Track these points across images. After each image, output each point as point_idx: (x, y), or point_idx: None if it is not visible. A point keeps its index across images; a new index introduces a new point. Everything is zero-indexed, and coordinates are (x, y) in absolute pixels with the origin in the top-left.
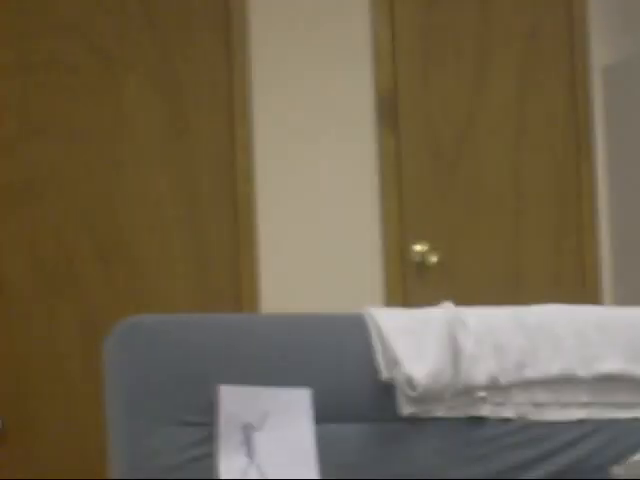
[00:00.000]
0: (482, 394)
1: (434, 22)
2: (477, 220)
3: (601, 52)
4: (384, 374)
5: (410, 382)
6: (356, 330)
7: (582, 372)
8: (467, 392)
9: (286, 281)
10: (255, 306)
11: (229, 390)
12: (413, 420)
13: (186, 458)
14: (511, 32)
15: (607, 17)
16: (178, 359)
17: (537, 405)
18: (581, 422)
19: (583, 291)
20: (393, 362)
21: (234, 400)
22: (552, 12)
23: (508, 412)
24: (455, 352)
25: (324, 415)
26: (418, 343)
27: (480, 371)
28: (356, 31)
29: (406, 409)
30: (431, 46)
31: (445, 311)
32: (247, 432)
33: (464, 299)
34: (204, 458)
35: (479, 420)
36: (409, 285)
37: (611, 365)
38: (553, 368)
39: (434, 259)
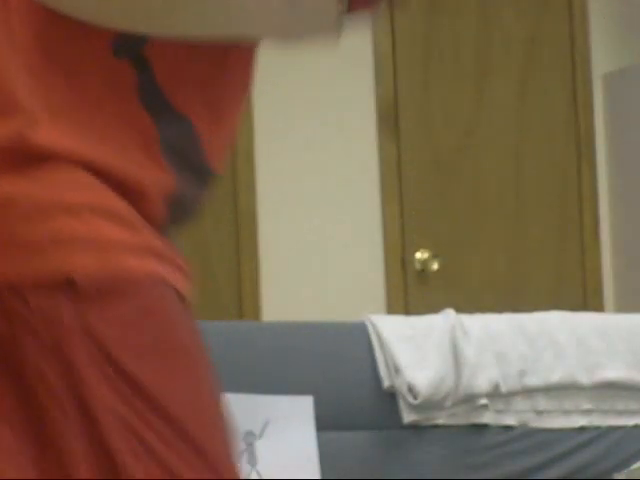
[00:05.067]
0: (483, 401)
1: (434, 31)
2: (478, 227)
3: (602, 60)
4: (385, 382)
5: (412, 390)
6: (357, 338)
7: (583, 379)
8: (468, 400)
9: (287, 289)
10: (257, 315)
11: (230, 398)
12: (415, 428)
13: None
14: (511, 40)
15: (607, 25)
16: None
17: (539, 412)
18: (582, 429)
19: (585, 298)
20: (394, 370)
21: (235, 408)
22: (553, 20)
23: (510, 419)
24: (457, 360)
25: (326, 423)
26: (419, 351)
27: (482, 379)
28: (357, 41)
29: (408, 417)
30: (431, 55)
31: (446, 319)
32: (248, 440)
33: (466, 306)
34: None
35: (480, 427)
36: (410, 292)
37: (612, 372)
38: (555, 375)
39: (435, 266)
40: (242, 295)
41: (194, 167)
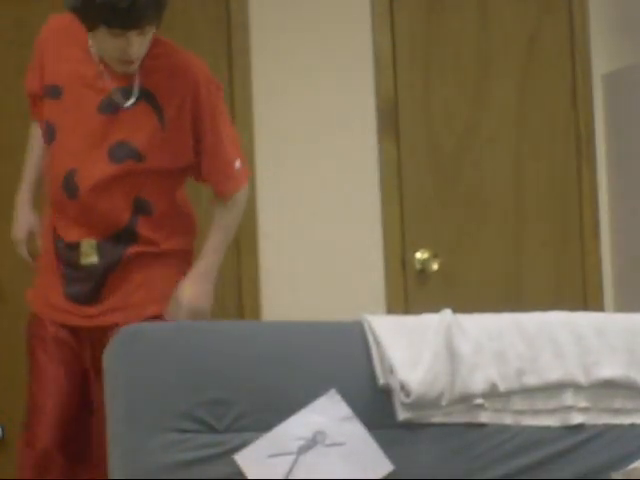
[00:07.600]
0: (480, 401)
1: (434, 31)
2: (478, 227)
3: (601, 60)
4: (380, 380)
5: (404, 388)
6: (355, 337)
7: (582, 378)
8: (465, 399)
9: (287, 289)
10: (257, 315)
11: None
12: (410, 426)
13: (183, 463)
14: (511, 40)
15: (607, 25)
16: (178, 367)
17: (536, 411)
18: (580, 428)
19: (585, 298)
20: (389, 368)
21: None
22: (552, 20)
23: (507, 419)
24: (453, 358)
25: None
26: (414, 350)
27: (479, 378)
28: (357, 40)
29: (402, 414)
30: (431, 55)
31: (442, 318)
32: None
33: (465, 306)
34: (200, 463)
35: (477, 426)
36: (410, 292)
37: (610, 371)
38: (553, 374)
39: (435, 266)
40: (242, 295)
41: None
